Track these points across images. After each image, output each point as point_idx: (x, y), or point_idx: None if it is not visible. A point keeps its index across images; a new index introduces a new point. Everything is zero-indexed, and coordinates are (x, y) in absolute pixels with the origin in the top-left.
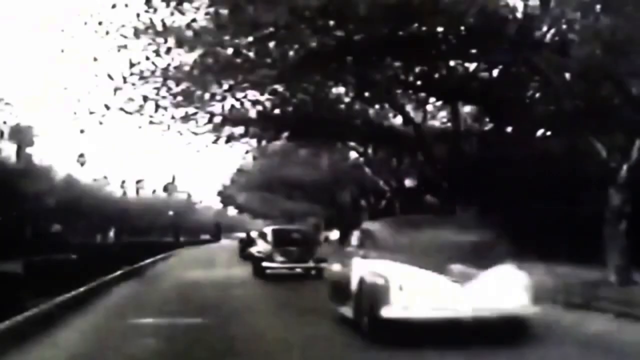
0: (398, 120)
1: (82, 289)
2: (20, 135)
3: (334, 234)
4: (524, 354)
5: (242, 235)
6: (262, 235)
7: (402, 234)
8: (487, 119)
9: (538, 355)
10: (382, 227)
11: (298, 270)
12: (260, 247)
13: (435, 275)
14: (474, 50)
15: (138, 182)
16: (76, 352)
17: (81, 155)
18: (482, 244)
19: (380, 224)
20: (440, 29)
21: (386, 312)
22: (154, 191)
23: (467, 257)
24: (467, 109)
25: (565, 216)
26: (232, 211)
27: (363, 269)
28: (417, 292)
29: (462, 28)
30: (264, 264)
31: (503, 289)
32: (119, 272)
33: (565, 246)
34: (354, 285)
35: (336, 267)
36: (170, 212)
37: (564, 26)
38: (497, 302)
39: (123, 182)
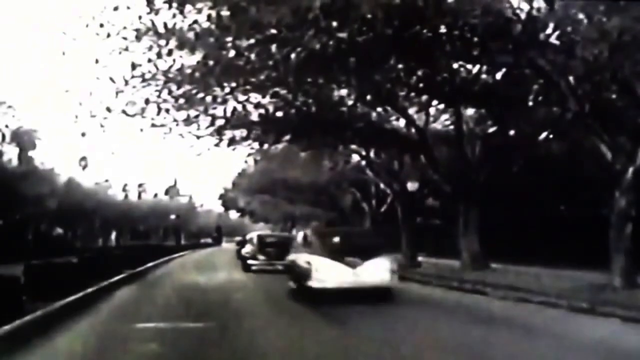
0: (400, 123)
1: (82, 293)
2: (23, 139)
3: (336, 238)
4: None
5: (240, 238)
6: (250, 240)
7: (320, 238)
8: (490, 122)
9: None
10: (311, 233)
11: (278, 267)
12: (248, 249)
13: (337, 263)
14: (478, 51)
15: (140, 185)
16: (75, 358)
17: (83, 159)
18: (368, 246)
19: (310, 231)
20: (444, 30)
21: (309, 284)
22: (155, 195)
23: (357, 253)
24: (469, 112)
25: (569, 219)
26: (233, 215)
27: (301, 259)
28: (326, 272)
29: (467, 28)
30: (249, 261)
31: (376, 272)
32: (120, 276)
33: (569, 249)
34: (295, 268)
35: (291, 259)
36: (172, 216)
37: (570, 27)
38: (372, 279)
39: (125, 185)
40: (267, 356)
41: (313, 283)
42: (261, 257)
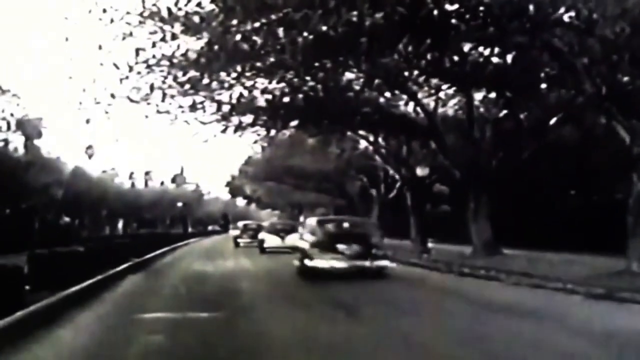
0: (409, 108)
1: (87, 283)
2: (28, 127)
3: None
4: None
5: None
6: (238, 227)
7: (270, 226)
8: (501, 106)
9: None
10: (266, 223)
11: (254, 243)
12: (236, 232)
13: (275, 236)
14: (492, 32)
15: (146, 173)
16: (78, 351)
17: (89, 147)
18: (289, 228)
19: (266, 223)
20: (458, 8)
21: (265, 245)
22: (162, 183)
23: (285, 231)
24: (479, 96)
25: (580, 204)
26: (240, 202)
27: (262, 236)
28: (271, 241)
29: (480, 8)
30: (238, 240)
31: (293, 240)
32: (126, 265)
33: (582, 235)
34: (260, 241)
35: (259, 237)
36: (179, 204)
37: (587, 5)
38: (290, 243)
39: (131, 173)
40: (274, 350)
41: (265, 245)
42: (244, 236)
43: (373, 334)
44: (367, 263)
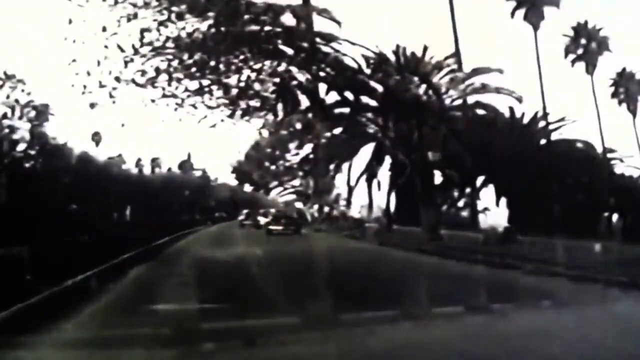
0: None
1: (92, 272)
2: (34, 114)
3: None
4: None
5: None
6: (243, 213)
7: (263, 213)
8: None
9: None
10: (262, 211)
11: (253, 225)
12: (242, 217)
13: (267, 219)
14: None
15: (153, 160)
16: (81, 346)
17: (96, 134)
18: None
19: (262, 210)
20: None
21: (261, 224)
22: (169, 169)
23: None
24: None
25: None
26: (248, 188)
27: (259, 218)
28: (263, 221)
29: None
30: (243, 222)
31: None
32: (133, 253)
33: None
34: (257, 221)
35: (259, 219)
36: (187, 192)
37: None
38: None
39: (138, 160)
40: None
41: (261, 224)
42: (247, 219)
43: None
44: (292, 228)
